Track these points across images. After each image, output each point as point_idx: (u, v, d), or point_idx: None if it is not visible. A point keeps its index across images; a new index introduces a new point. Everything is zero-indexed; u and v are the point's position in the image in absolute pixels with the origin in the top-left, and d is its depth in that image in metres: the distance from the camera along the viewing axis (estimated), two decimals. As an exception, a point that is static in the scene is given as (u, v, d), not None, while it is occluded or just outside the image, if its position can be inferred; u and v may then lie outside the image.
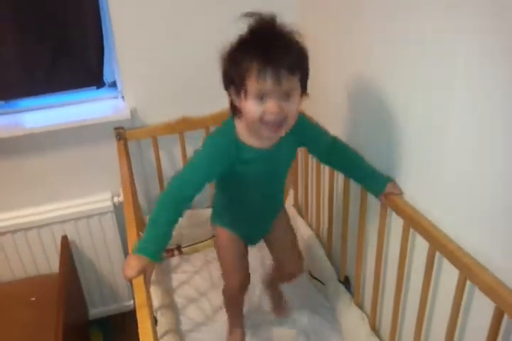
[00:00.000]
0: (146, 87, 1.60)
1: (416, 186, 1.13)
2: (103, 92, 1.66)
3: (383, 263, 1.30)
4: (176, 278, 1.70)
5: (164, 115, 1.62)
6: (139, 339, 0.87)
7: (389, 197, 1.17)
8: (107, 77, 1.66)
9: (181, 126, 1.63)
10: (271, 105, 0.97)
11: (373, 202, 1.25)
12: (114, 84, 1.68)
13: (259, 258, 1.71)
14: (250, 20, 0.98)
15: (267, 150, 1.11)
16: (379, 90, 1.19)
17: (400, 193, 1.16)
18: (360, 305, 1.46)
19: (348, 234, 1.45)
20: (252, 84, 0.96)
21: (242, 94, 0.99)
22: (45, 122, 1.54)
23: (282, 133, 1.04)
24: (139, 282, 0.97)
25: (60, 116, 1.58)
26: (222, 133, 1.12)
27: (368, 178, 1.23)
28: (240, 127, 1.08)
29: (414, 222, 1.09)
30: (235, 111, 1.07)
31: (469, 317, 1.00)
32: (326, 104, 1.49)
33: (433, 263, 1.06)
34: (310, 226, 1.74)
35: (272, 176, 1.18)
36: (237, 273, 1.31)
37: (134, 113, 1.60)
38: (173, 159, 1.74)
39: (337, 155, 1.25)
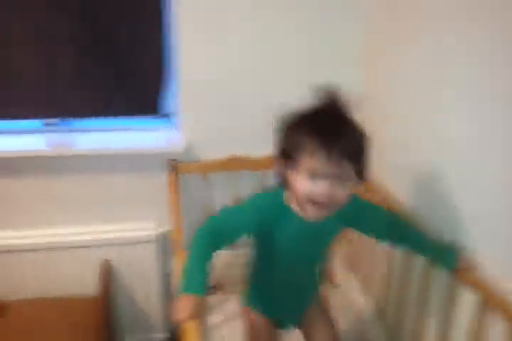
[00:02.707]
0: (203, 121, 1.57)
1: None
2: (158, 122, 1.64)
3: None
4: (212, 319, 1.61)
5: (216, 152, 1.58)
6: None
7: (460, 271, 1.06)
8: (164, 108, 1.64)
9: (233, 165, 1.58)
10: (322, 187, 0.92)
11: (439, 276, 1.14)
12: (169, 116, 1.65)
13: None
14: (317, 94, 0.95)
15: (311, 222, 1.03)
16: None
17: (475, 268, 1.05)
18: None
19: (405, 296, 1.33)
20: (307, 161, 0.92)
21: (294, 167, 0.94)
22: (96, 145, 1.53)
23: (328, 213, 0.98)
24: (192, 326, 0.90)
25: (113, 140, 1.57)
26: (270, 195, 1.07)
27: (436, 257, 1.12)
28: (289, 196, 1.03)
29: (492, 300, 0.97)
30: (282, 181, 1.02)
31: None
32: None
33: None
34: (360, 281, 1.62)
35: (308, 250, 1.10)
36: None
37: (188, 146, 1.56)
38: (221, 196, 1.67)
39: (396, 234, 1.15)
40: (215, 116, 1.56)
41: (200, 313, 0.89)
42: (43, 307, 1.65)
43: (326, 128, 0.93)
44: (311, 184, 0.93)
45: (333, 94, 0.95)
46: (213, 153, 1.58)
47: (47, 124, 1.59)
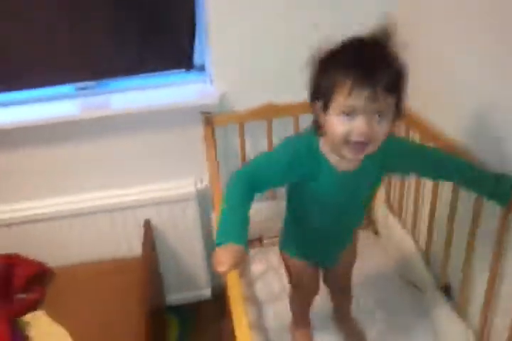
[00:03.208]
0: (236, 71, 1.54)
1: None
2: (192, 76, 1.62)
3: (499, 273, 1.12)
4: (257, 269, 1.63)
5: (252, 101, 1.54)
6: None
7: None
8: (196, 60, 1.61)
9: (269, 113, 1.55)
10: (360, 124, 0.86)
11: (490, 203, 1.09)
12: (202, 68, 1.62)
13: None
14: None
15: (347, 172, 0.99)
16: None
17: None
18: (464, 319, 1.29)
19: (453, 236, 1.29)
20: (343, 98, 0.86)
21: (330, 109, 0.88)
22: (131, 104, 1.52)
23: (366, 153, 0.91)
24: (233, 277, 0.89)
25: (147, 98, 1.55)
26: (303, 139, 1.01)
27: (492, 189, 1.06)
28: (324, 143, 0.97)
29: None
30: (317, 127, 0.96)
31: None
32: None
33: None
34: (404, 225, 1.58)
35: (347, 202, 1.05)
36: (306, 294, 1.28)
37: (222, 98, 1.54)
38: (258, 146, 1.65)
39: (443, 171, 1.09)
40: (247, 65, 1.52)
41: (240, 263, 0.85)
42: (89, 271, 1.70)
43: (362, 60, 0.86)
44: (348, 123, 0.87)
45: (378, 29, 0.89)
46: (248, 103, 1.54)
47: (80, 88, 1.59)
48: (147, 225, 1.71)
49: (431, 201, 1.36)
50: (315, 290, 1.30)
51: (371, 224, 1.75)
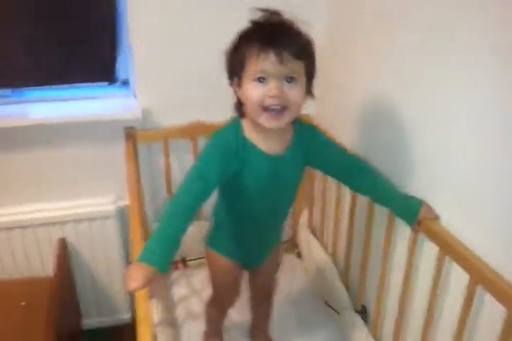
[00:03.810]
0: (160, 87, 1.51)
1: (452, 209, 0.99)
2: (115, 90, 1.57)
3: (410, 294, 1.15)
4: (178, 292, 1.58)
5: (177, 119, 1.52)
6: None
7: (423, 222, 1.04)
8: (120, 75, 1.57)
9: (195, 131, 1.52)
10: (272, 86, 0.90)
11: (402, 225, 1.12)
12: (127, 83, 1.58)
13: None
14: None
15: (274, 156, 1.00)
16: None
17: (436, 218, 1.03)
18: (378, 339, 1.31)
19: (369, 259, 1.31)
20: (253, 65, 0.90)
21: (244, 79, 0.92)
22: (50, 114, 1.45)
23: (284, 121, 0.94)
24: (142, 295, 0.85)
25: (67, 109, 1.49)
26: (228, 129, 1.02)
27: (398, 203, 1.10)
28: (247, 126, 1.00)
29: (452, 251, 0.95)
30: (239, 108, 1.00)
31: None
32: (346, 116, 1.40)
33: (472, 297, 0.92)
34: (325, 248, 1.60)
35: (277, 189, 1.06)
36: (227, 296, 1.26)
37: (145, 113, 1.50)
38: (183, 165, 1.62)
39: (359, 176, 1.12)
40: (172, 81, 1.49)
41: (150, 283, 0.82)
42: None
43: (266, 27, 0.92)
44: (261, 88, 0.90)
45: (273, 12, 0.94)
46: (174, 120, 1.52)
47: (-3, 95, 1.50)
48: (61, 244, 1.61)
49: (348, 225, 1.39)
50: (236, 294, 1.27)
51: (294, 248, 1.76)
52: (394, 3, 1.14)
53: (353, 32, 1.36)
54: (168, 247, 0.88)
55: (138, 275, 0.81)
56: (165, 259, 0.86)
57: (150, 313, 0.82)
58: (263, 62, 0.88)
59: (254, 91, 0.91)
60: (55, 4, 1.41)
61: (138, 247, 0.97)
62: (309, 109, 1.57)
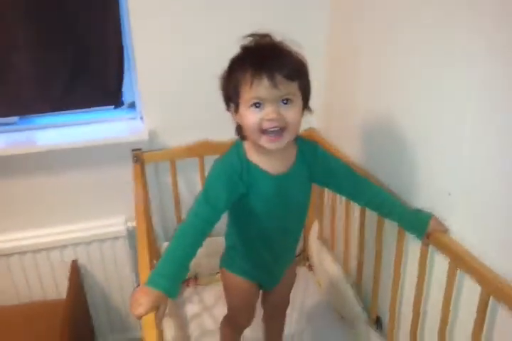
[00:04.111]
0: (166, 108, 1.53)
1: (462, 222, 1.01)
2: (121, 113, 1.60)
3: (423, 305, 1.16)
4: (191, 309, 1.58)
5: (183, 139, 1.54)
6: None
7: (433, 234, 1.05)
8: (126, 98, 1.60)
9: (202, 150, 1.55)
10: (268, 110, 0.91)
11: (412, 238, 1.13)
12: (132, 105, 1.61)
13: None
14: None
15: (279, 175, 1.01)
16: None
17: (446, 230, 1.04)
18: (395, 352, 1.31)
19: (381, 271, 1.32)
20: (247, 92, 0.91)
21: (241, 106, 0.93)
22: (58, 140, 1.47)
23: (283, 142, 0.95)
24: (148, 320, 0.82)
25: (75, 135, 1.51)
26: (231, 153, 1.04)
27: (407, 217, 1.11)
28: (249, 148, 1.01)
29: (463, 263, 0.97)
30: (240, 131, 1.01)
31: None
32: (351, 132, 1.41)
33: (486, 308, 0.93)
34: (336, 260, 1.61)
35: (286, 208, 1.06)
36: (244, 316, 1.25)
37: (152, 135, 1.53)
38: (191, 184, 1.64)
39: (366, 193, 1.13)
40: (178, 102, 1.52)
41: (157, 308, 0.82)
42: (8, 314, 1.58)
43: (257, 53, 0.93)
44: (258, 113, 0.91)
45: (262, 33, 0.96)
46: (180, 140, 1.54)
47: (3, 124, 1.53)
48: (74, 266, 1.62)
49: (358, 236, 1.40)
50: (252, 315, 1.26)
51: (305, 260, 1.77)
52: (400, 16, 1.16)
53: (356, 43, 1.37)
54: (176, 270, 0.88)
55: (143, 300, 0.81)
56: (172, 282, 0.85)
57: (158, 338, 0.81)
58: (257, 89, 0.89)
59: (251, 117, 0.92)
60: (60, 30, 1.43)
61: (144, 271, 0.98)
62: (313, 123, 1.60)
